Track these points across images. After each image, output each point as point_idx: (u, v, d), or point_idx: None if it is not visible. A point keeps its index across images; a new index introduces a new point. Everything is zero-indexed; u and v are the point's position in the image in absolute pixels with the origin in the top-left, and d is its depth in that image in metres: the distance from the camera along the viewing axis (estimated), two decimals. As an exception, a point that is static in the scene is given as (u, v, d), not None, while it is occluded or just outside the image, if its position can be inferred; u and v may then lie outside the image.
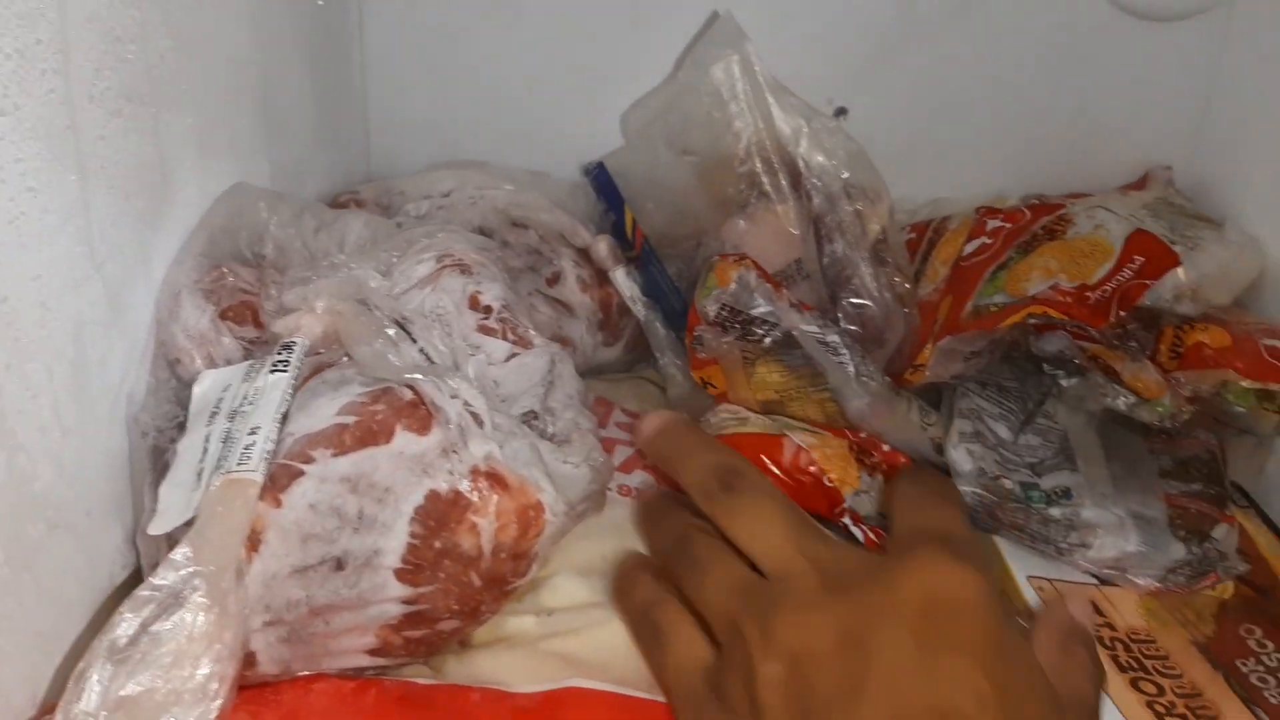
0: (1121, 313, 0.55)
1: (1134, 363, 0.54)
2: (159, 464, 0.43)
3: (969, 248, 0.64)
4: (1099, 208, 0.62)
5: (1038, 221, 0.62)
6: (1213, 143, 0.72)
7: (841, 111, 0.74)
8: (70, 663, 0.40)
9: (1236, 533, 0.52)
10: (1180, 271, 0.55)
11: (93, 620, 0.43)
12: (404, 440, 0.39)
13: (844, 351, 0.55)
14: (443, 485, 0.38)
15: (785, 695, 0.34)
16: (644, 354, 0.67)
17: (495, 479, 0.38)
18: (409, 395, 0.40)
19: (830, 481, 0.51)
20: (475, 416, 0.40)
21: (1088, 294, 0.55)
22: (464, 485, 0.38)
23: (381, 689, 0.40)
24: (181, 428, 0.44)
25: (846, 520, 0.51)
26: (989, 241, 0.63)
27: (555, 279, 0.63)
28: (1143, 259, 0.57)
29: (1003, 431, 0.56)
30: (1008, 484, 0.53)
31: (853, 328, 0.61)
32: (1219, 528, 0.51)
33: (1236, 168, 0.69)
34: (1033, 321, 0.55)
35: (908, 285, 0.65)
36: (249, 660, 0.39)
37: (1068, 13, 0.71)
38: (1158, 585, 0.50)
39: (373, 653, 0.40)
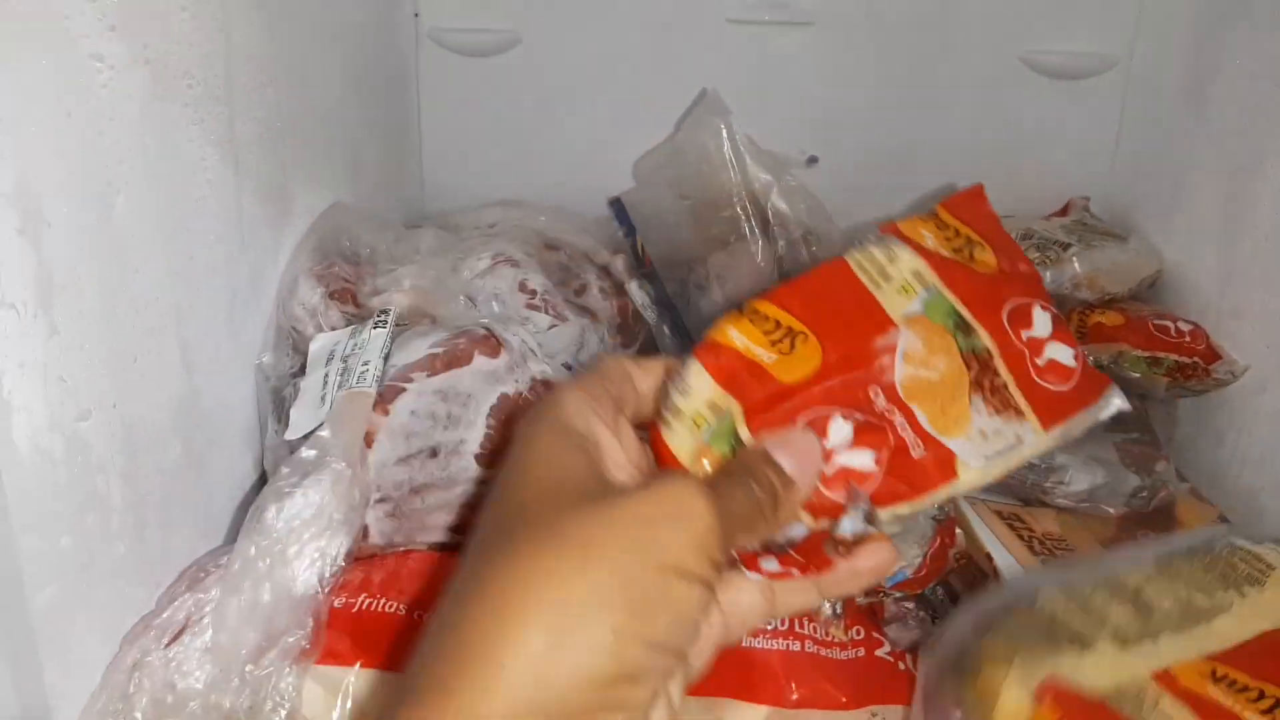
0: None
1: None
2: (279, 401, 0.57)
3: None
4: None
5: None
6: (1122, 177, 0.87)
7: (813, 159, 0.89)
8: (229, 536, 0.53)
9: (1173, 466, 0.65)
10: (1076, 262, 0.69)
11: (232, 524, 0.56)
12: (480, 362, 0.52)
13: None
14: (510, 389, 0.51)
15: None
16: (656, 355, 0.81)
17: (549, 385, 0.52)
18: (483, 332, 0.53)
19: None
20: (532, 351, 0.54)
21: None
22: (526, 389, 0.51)
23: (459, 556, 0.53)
24: (294, 378, 0.58)
25: None
26: None
27: (582, 290, 0.77)
28: None
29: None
30: None
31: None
32: (1159, 464, 0.65)
33: (1141, 195, 0.84)
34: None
35: None
36: (363, 532, 0.52)
37: (995, 75, 0.87)
38: (1125, 509, 0.62)
39: (455, 530, 0.53)
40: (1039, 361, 0.38)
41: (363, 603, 0.50)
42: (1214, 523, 0.62)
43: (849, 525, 0.36)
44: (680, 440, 0.36)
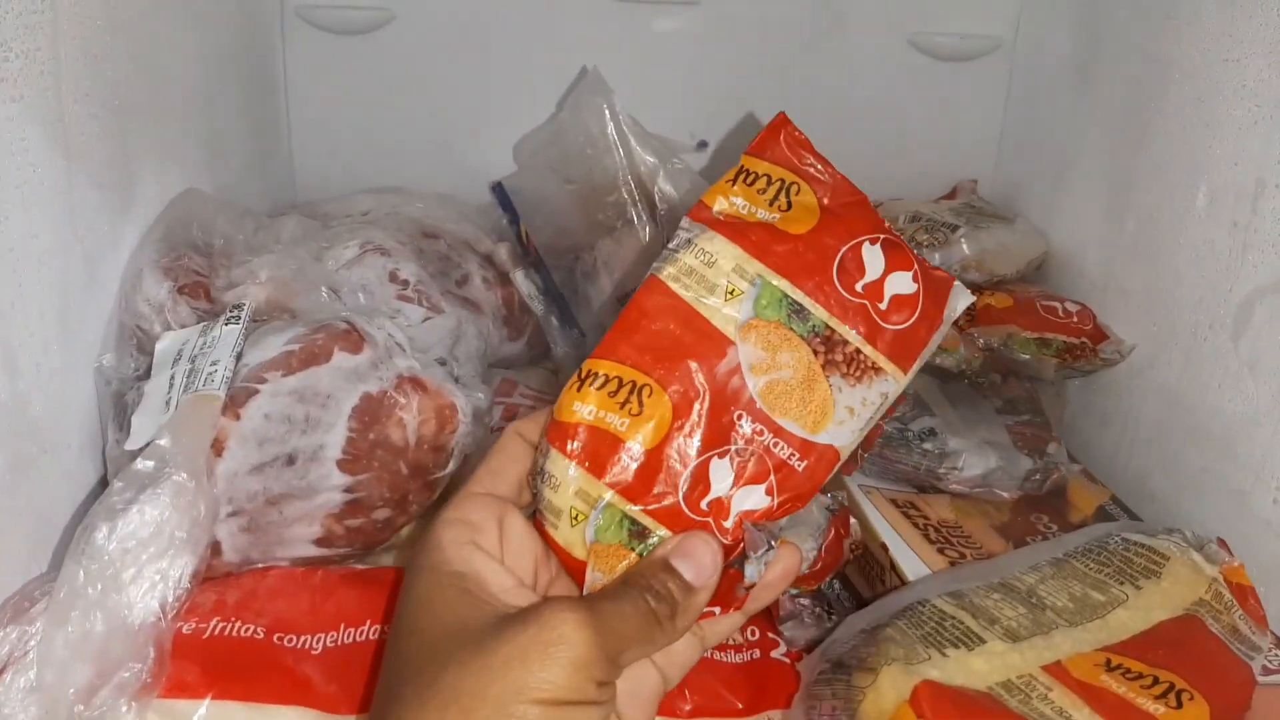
0: (864, 453, 0.63)
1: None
2: (120, 406, 0.52)
3: None
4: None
5: None
6: (1009, 159, 0.87)
7: (703, 144, 0.87)
8: (56, 559, 0.48)
9: (1064, 447, 0.64)
10: (965, 244, 0.68)
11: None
12: (341, 358, 0.48)
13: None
14: (374, 388, 0.47)
15: None
16: (545, 349, 0.77)
17: (416, 384, 0.48)
18: (343, 326, 0.49)
19: None
20: (399, 345, 0.50)
21: None
22: (391, 388, 0.47)
23: (327, 571, 0.49)
24: (139, 380, 0.53)
25: None
26: None
27: (464, 280, 0.73)
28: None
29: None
30: (887, 428, 0.64)
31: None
32: (1051, 445, 0.64)
33: (1028, 177, 0.84)
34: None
35: None
36: (215, 549, 0.47)
37: (883, 57, 0.86)
38: (1018, 492, 0.61)
39: (318, 542, 0.49)
40: (881, 306, 0.36)
41: (215, 627, 0.45)
42: (1107, 504, 0.62)
43: (752, 572, 0.35)
44: (566, 536, 0.35)
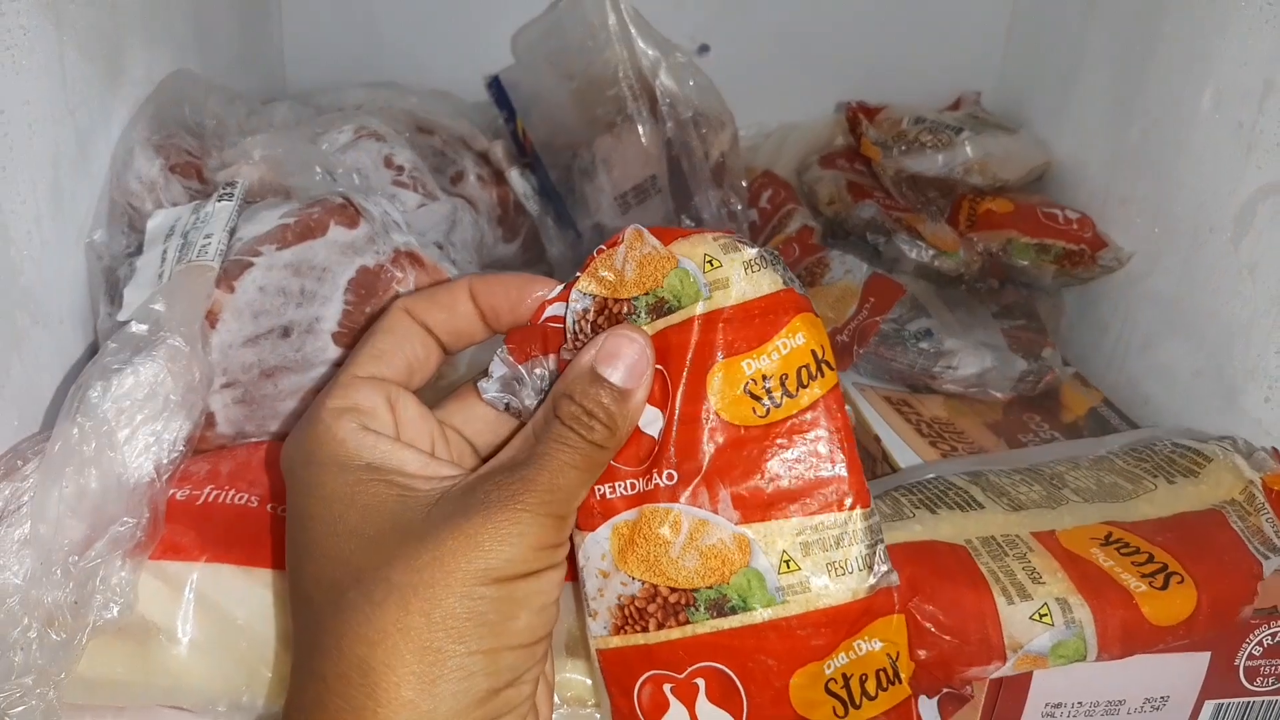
0: (860, 349, 0.63)
1: (933, 223, 0.66)
2: (112, 282, 0.51)
3: None
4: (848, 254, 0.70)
5: (802, 262, 0.71)
6: (1013, 71, 0.86)
7: (704, 49, 0.85)
8: (48, 422, 0.48)
9: (1059, 353, 0.64)
10: (968, 147, 0.67)
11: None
12: (337, 232, 0.47)
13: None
14: (370, 261, 0.47)
15: None
16: (541, 253, 0.77)
17: (413, 258, 0.47)
18: (339, 200, 0.49)
19: None
20: (395, 222, 0.49)
21: (837, 337, 0.64)
22: (388, 262, 0.47)
23: (320, 446, 0.49)
24: (130, 257, 0.52)
25: None
26: None
27: (459, 178, 0.72)
28: (874, 299, 0.65)
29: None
30: (884, 327, 0.63)
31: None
32: (1045, 350, 0.64)
33: (1032, 88, 0.83)
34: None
35: (740, 206, 0.75)
36: (209, 421, 0.47)
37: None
38: (1012, 393, 0.61)
39: (312, 417, 0.49)
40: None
41: (209, 495, 0.45)
42: (1099, 406, 0.62)
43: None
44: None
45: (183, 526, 0.44)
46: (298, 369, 0.47)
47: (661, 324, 0.35)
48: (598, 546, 0.35)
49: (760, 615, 0.33)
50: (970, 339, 0.62)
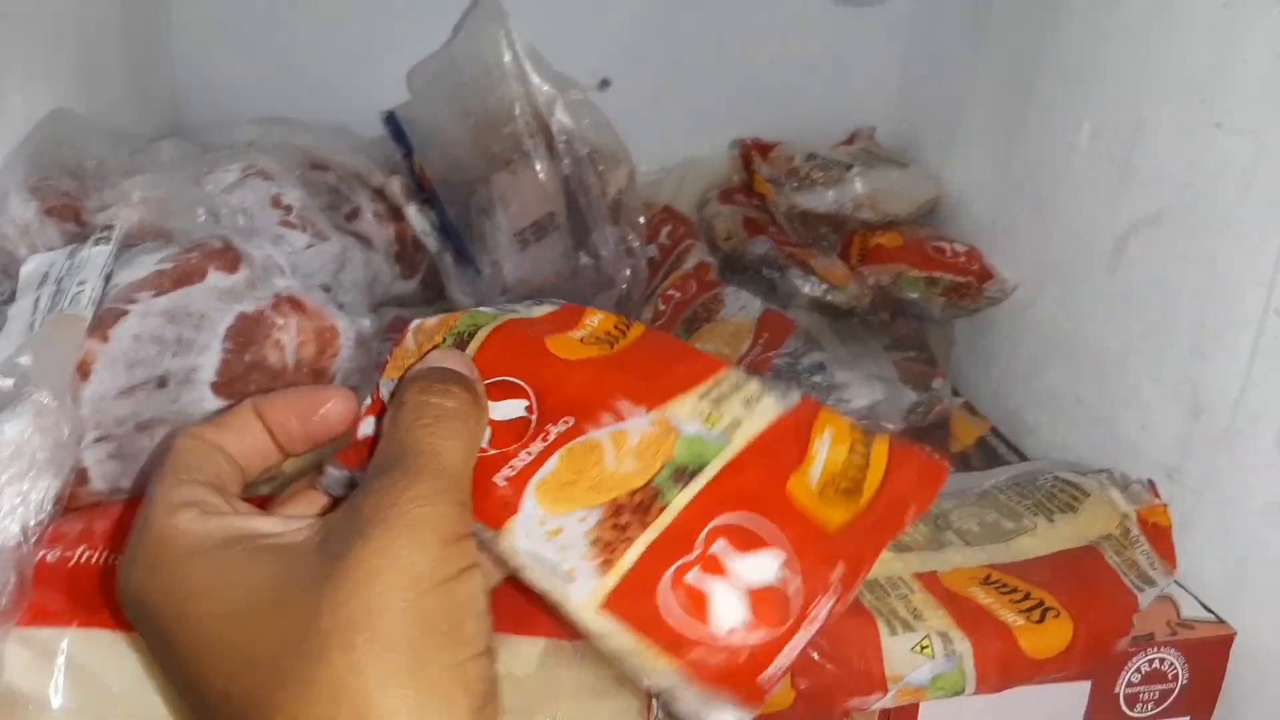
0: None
1: (824, 258, 0.68)
2: (-15, 333, 0.49)
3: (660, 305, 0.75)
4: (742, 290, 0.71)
5: (698, 299, 0.72)
6: (907, 107, 0.88)
7: (605, 83, 0.85)
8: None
9: (949, 383, 0.66)
10: (858, 183, 0.69)
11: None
12: (216, 278, 0.46)
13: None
14: (250, 308, 0.46)
15: None
16: (440, 290, 0.76)
17: (295, 304, 0.47)
18: (219, 244, 0.47)
19: None
20: (279, 266, 0.48)
21: None
22: (268, 308, 0.46)
23: (202, 499, 0.47)
24: (3, 305, 0.50)
25: None
26: (663, 308, 0.74)
27: (354, 214, 0.71)
28: (768, 334, 0.67)
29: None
30: (777, 362, 0.64)
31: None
32: (935, 380, 0.65)
33: (924, 123, 0.85)
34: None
35: (638, 243, 0.75)
36: (81, 477, 0.46)
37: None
38: (903, 424, 0.63)
39: (193, 469, 0.47)
40: None
41: (82, 555, 0.44)
42: (987, 435, 0.64)
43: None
44: None
45: (53, 590, 0.42)
46: (175, 421, 0.46)
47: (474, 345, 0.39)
48: (531, 517, 0.34)
49: (719, 461, 0.34)
50: (862, 371, 0.63)
